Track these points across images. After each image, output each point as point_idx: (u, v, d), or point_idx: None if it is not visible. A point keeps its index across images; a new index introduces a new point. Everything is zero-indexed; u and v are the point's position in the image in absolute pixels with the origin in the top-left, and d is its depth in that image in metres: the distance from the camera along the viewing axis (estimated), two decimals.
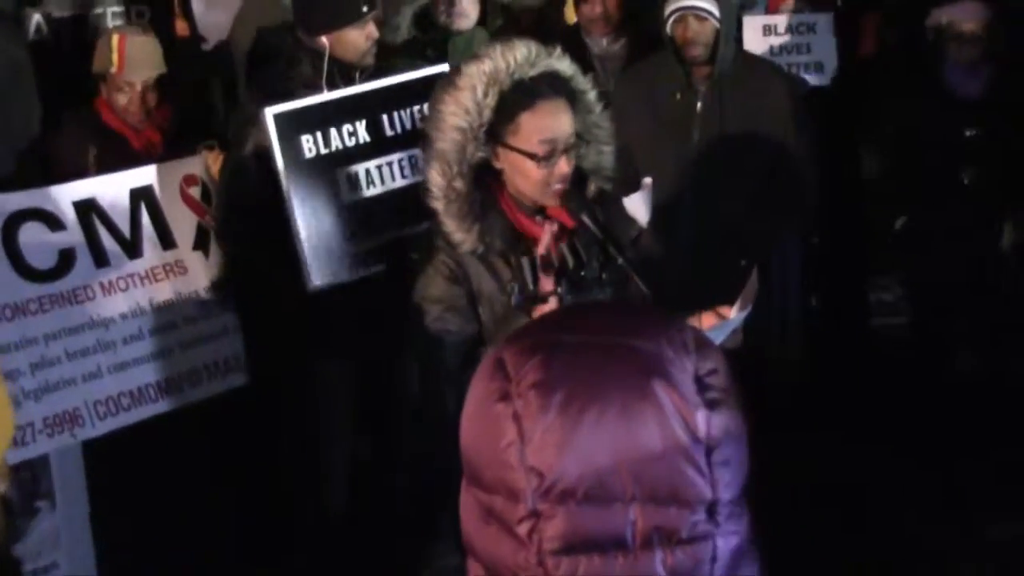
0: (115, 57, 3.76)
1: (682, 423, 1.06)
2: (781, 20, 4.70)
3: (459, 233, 2.54)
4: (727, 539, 1.08)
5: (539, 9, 4.77)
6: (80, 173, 3.60)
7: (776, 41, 4.69)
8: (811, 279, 4.56)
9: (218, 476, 3.83)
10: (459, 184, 2.51)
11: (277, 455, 3.83)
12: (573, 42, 3.92)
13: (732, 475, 1.09)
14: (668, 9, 3.64)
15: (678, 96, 3.74)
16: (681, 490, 1.06)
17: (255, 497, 3.86)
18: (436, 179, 2.53)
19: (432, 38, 4.33)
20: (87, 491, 3.47)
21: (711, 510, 1.07)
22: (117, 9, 4.60)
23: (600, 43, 4.27)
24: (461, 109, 2.49)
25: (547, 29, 4.65)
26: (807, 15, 4.67)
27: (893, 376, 4.24)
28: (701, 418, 1.07)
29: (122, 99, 3.81)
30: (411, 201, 2.78)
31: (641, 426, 1.06)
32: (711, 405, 1.08)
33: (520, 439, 1.07)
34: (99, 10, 4.56)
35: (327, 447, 3.72)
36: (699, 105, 3.74)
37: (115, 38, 3.80)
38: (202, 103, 4.66)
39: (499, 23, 4.40)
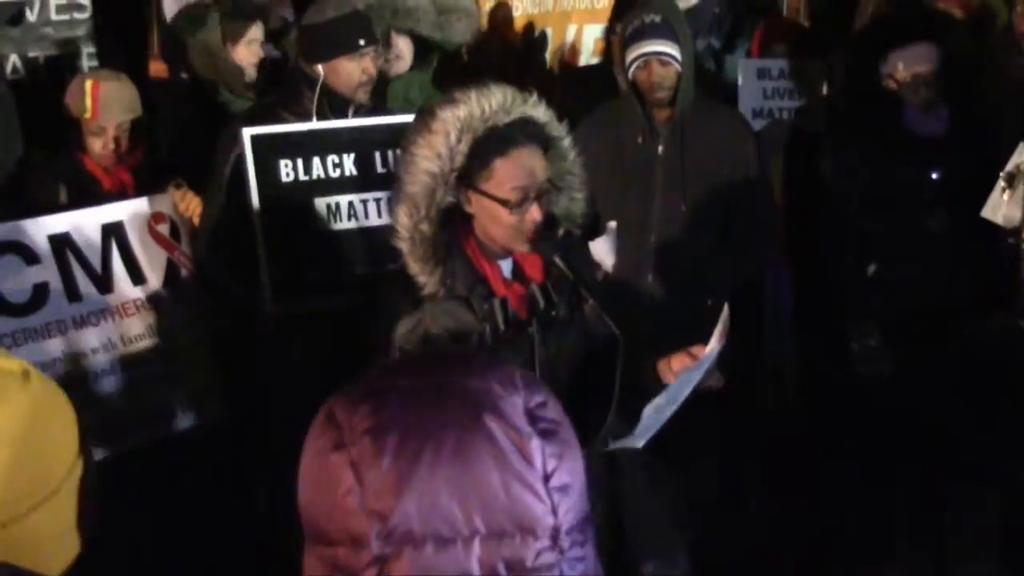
0: (88, 102, 3.77)
1: (517, 453, 1.08)
2: (775, 64, 4.79)
3: (422, 276, 2.54)
4: (572, 566, 1.09)
5: (508, 50, 4.79)
6: (51, 212, 3.58)
7: (769, 84, 4.78)
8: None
9: (206, 505, 3.79)
10: (425, 227, 2.51)
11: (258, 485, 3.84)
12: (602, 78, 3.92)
13: (571, 501, 1.10)
14: (632, 55, 3.69)
15: (640, 140, 3.79)
16: (523, 519, 1.07)
17: (243, 526, 3.85)
18: (403, 220, 2.53)
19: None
20: None
21: (554, 537, 1.08)
22: (92, 50, 4.65)
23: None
24: (433, 153, 2.49)
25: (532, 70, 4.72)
26: (800, 60, 4.75)
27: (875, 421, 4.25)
28: (535, 447, 1.09)
29: (96, 143, 3.82)
30: (386, 242, 2.82)
31: (477, 461, 1.07)
32: (544, 435, 1.10)
33: (359, 484, 1.07)
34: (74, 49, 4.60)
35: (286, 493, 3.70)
36: (660, 148, 3.79)
37: (88, 83, 3.81)
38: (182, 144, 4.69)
39: (433, 65, 4.43)
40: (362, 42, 3.58)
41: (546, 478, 1.09)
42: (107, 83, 3.86)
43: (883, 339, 4.00)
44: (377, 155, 3.56)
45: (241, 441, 3.82)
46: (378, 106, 3.83)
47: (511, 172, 2.51)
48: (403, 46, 4.31)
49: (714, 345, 2.51)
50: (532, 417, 1.11)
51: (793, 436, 4.47)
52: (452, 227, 2.58)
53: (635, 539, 2.75)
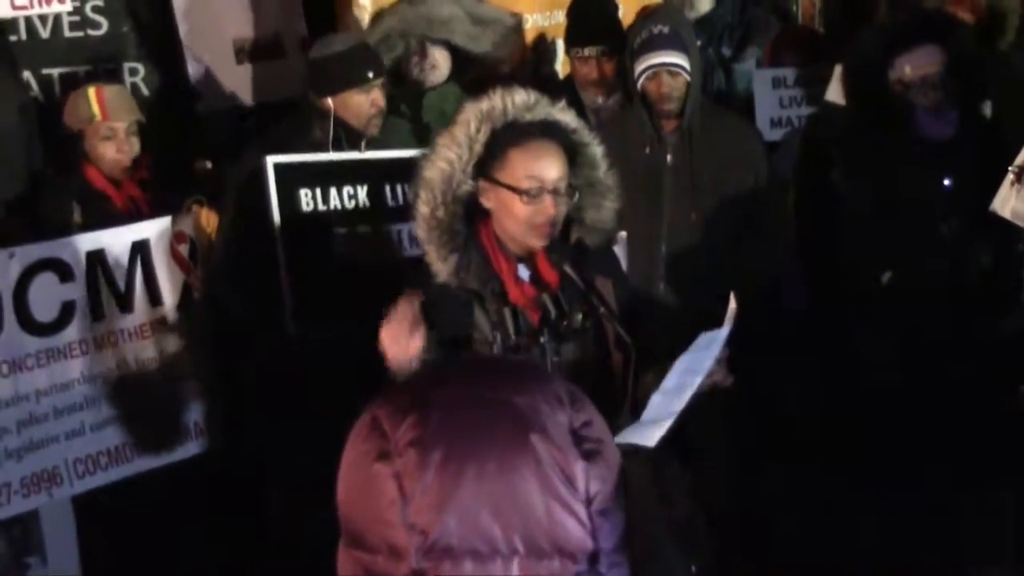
0: (95, 107, 3.83)
1: (560, 475, 1.08)
2: (790, 73, 4.77)
3: (437, 262, 2.58)
4: None
5: (522, 61, 4.81)
6: (64, 232, 3.62)
7: (786, 93, 4.77)
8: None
9: (210, 532, 3.83)
10: (441, 213, 2.55)
11: (265, 512, 3.84)
12: (567, 94, 3.98)
13: (612, 524, 1.11)
14: (641, 66, 3.70)
15: (648, 150, 3.79)
16: (563, 541, 1.08)
17: (246, 554, 3.86)
18: (421, 207, 2.58)
19: (405, 93, 4.36)
20: (78, 546, 3.49)
21: (593, 560, 1.09)
22: (107, 67, 4.68)
23: (595, 99, 4.33)
24: (453, 141, 2.55)
25: (541, 81, 4.71)
26: (814, 67, 4.74)
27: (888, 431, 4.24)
28: (579, 469, 1.09)
29: (108, 148, 3.86)
30: (401, 273, 2.84)
31: (520, 480, 1.07)
32: (588, 456, 1.10)
33: (401, 498, 1.08)
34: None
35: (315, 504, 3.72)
36: (669, 158, 3.79)
37: (91, 91, 3.88)
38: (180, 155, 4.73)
39: (469, 76, 4.44)
40: (370, 74, 3.62)
41: (588, 501, 1.10)
42: (109, 88, 3.93)
43: (895, 347, 3.99)
44: (388, 188, 3.59)
45: (245, 466, 3.83)
46: (415, 117, 3.85)
47: (525, 162, 2.54)
48: (439, 56, 4.33)
49: (724, 330, 2.51)
50: (577, 437, 1.11)
51: (805, 442, 4.45)
52: (472, 221, 2.61)
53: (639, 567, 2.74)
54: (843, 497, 4.10)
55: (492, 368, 1.27)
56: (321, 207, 3.50)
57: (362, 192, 3.57)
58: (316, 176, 3.50)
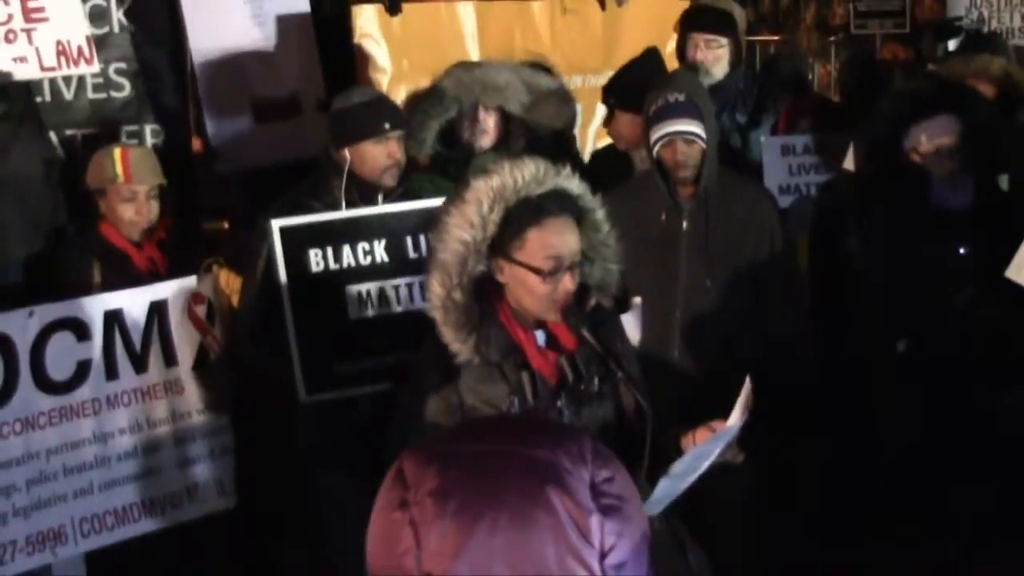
0: (119, 168, 3.86)
1: (575, 529, 1.09)
2: (799, 140, 4.79)
3: (456, 343, 2.59)
4: None
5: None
6: (85, 291, 3.65)
7: (795, 161, 4.79)
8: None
9: None
10: (457, 295, 2.56)
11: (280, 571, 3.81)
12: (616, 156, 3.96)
13: None
14: (657, 134, 3.71)
15: (663, 216, 3.80)
16: None
17: None
18: (436, 289, 2.59)
19: (455, 155, 4.39)
20: None
21: None
22: (131, 128, 4.74)
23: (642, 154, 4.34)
24: (466, 222, 2.55)
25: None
26: (826, 135, 4.76)
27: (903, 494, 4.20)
28: (595, 523, 1.10)
29: (128, 210, 3.88)
30: (417, 326, 2.83)
31: (534, 532, 1.08)
32: (605, 511, 1.11)
33: (416, 545, 1.09)
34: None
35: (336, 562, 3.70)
36: (685, 224, 3.80)
37: (116, 151, 3.91)
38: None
39: (521, 144, 4.47)
40: (387, 126, 3.64)
41: (602, 556, 1.09)
42: (134, 150, 3.97)
43: (912, 415, 3.96)
44: (409, 240, 3.59)
45: (262, 527, 3.81)
46: (463, 179, 3.88)
47: (545, 241, 2.55)
48: (491, 121, 4.36)
49: (735, 419, 2.51)
50: (596, 492, 1.11)
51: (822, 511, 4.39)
52: (485, 296, 2.62)
53: None
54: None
55: (518, 424, 1.31)
56: (333, 266, 3.50)
57: (379, 247, 3.56)
58: (326, 235, 3.50)
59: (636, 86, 4.19)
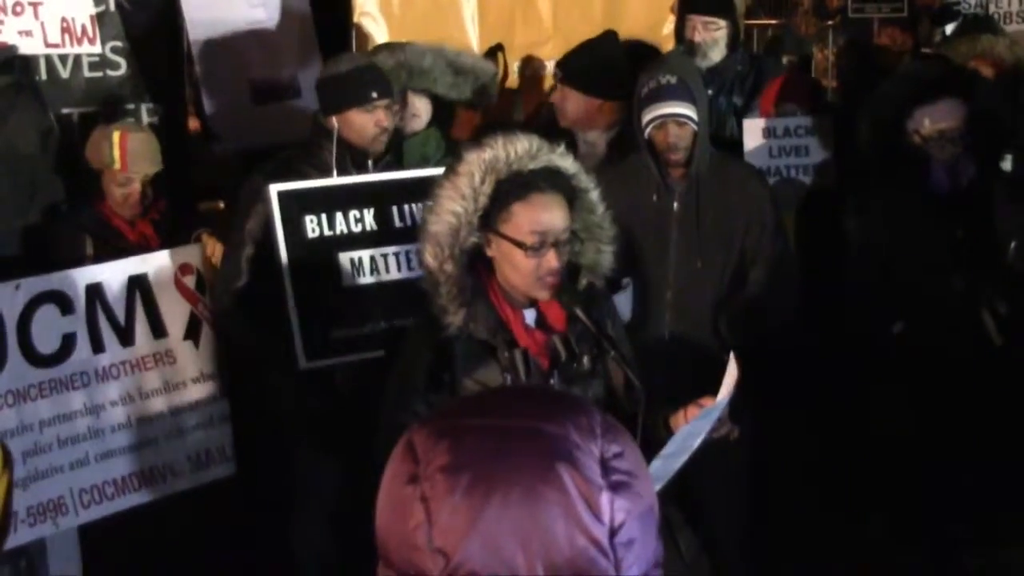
0: (117, 154, 3.85)
1: (585, 505, 1.08)
2: (780, 123, 4.78)
3: (447, 315, 2.60)
4: None
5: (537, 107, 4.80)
6: (78, 264, 3.65)
7: (775, 143, 4.77)
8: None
9: (214, 561, 3.82)
10: (449, 267, 2.57)
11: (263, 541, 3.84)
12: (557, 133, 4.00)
13: (635, 556, 1.11)
14: (648, 116, 3.71)
15: (654, 198, 3.80)
16: (584, 571, 1.08)
17: None
18: (428, 260, 2.60)
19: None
20: None
21: None
22: (127, 107, 4.73)
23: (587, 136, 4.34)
24: (457, 194, 2.56)
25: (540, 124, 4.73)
26: (806, 117, 4.75)
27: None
28: (604, 500, 1.09)
29: (120, 193, 3.89)
30: (407, 294, 2.83)
31: (544, 509, 1.08)
32: (615, 487, 1.11)
33: (427, 521, 1.09)
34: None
35: (299, 544, 3.74)
36: (676, 205, 3.80)
37: (116, 135, 3.90)
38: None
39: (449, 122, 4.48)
40: (374, 94, 3.64)
41: (612, 532, 1.09)
42: (134, 135, 3.94)
43: (907, 398, 3.96)
44: (395, 210, 3.60)
45: (252, 498, 3.83)
46: (393, 163, 3.89)
47: (531, 216, 2.56)
48: (420, 105, 4.37)
49: (723, 395, 2.52)
50: (606, 468, 1.11)
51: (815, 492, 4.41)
52: (477, 272, 2.62)
53: None
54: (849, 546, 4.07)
55: (528, 397, 1.29)
56: (327, 232, 3.50)
57: (368, 215, 3.57)
58: (321, 201, 3.51)
59: (587, 67, 4.23)
